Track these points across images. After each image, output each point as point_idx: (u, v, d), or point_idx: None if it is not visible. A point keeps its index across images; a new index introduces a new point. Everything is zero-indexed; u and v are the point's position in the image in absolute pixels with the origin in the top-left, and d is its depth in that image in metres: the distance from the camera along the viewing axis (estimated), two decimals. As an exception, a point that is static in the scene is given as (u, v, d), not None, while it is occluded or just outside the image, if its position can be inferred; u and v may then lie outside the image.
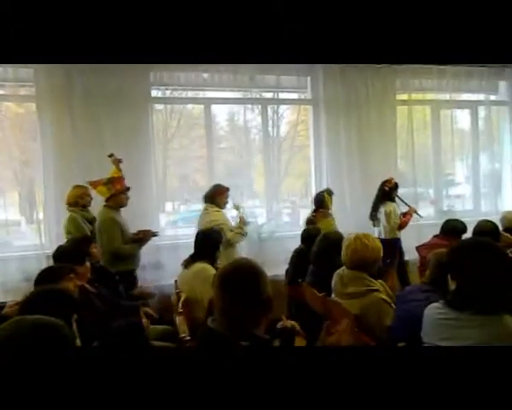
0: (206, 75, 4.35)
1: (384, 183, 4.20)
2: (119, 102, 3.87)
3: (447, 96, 4.92)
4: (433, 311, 1.68)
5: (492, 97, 5.15)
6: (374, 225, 4.22)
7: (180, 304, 2.48)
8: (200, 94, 4.53)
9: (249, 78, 4.34)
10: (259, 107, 4.55)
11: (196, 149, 4.87)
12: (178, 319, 2.28)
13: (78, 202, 3.38)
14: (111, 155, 3.32)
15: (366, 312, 2.19)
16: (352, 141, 4.47)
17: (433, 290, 1.97)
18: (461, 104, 5.12)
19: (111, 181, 3.26)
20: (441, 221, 3.57)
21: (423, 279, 2.27)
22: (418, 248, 3.54)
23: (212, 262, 2.66)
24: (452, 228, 3.32)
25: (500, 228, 4.02)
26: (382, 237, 4.09)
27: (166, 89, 4.43)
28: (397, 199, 4.26)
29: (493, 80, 5.01)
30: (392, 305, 2.23)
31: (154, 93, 4.31)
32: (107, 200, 3.32)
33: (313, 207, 4.01)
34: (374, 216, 4.23)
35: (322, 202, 3.92)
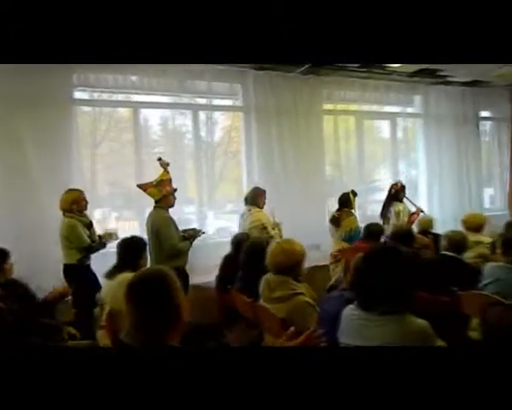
0: (134, 78, 4.23)
1: (391, 186, 4.66)
2: (38, 104, 3.63)
3: (370, 108, 5.27)
4: (349, 312, 1.78)
5: (409, 110, 5.58)
6: (383, 224, 4.50)
7: (103, 317, 2.37)
8: (130, 97, 4.39)
9: (179, 82, 4.29)
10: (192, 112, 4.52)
11: (128, 154, 4.69)
12: (100, 333, 2.18)
13: (75, 207, 3.30)
14: (159, 159, 3.48)
15: (292, 315, 2.25)
16: (282, 148, 4.57)
17: (347, 289, 2.09)
18: (382, 115, 5.49)
19: (161, 183, 3.42)
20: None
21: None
22: (343, 252, 3.73)
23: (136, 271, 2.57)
24: (371, 232, 3.55)
25: (416, 230, 4.39)
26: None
27: (93, 91, 4.23)
28: (405, 200, 4.67)
29: (409, 94, 5.44)
30: (316, 307, 2.32)
31: (79, 95, 4.10)
32: (157, 201, 3.45)
33: (337, 207, 4.32)
34: (384, 215, 4.61)
35: (346, 201, 4.22)
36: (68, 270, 3.28)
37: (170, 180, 3.46)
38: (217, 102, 4.74)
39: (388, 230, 4.40)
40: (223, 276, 3.25)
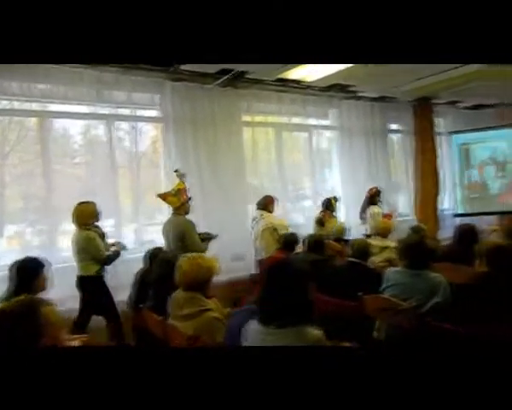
0: (43, 86, 3.97)
1: (368, 191, 5.32)
2: None
3: (288, 120, 5.46)
4: (250, 326, 1.81)
5: (325, 122, 5.86)
6: (363, 224, 5.25)
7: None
8: (37, 105, 4.10)
9: (94, 91, 4.12)
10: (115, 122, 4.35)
11: (42, 165, 4.37)
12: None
13: (94, 219, 3.41)
14: (176, 171, 3.77)
15: (199, 332, 2.24)
16: (201, 159, 4.55)
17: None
18: (300, 127, 5.68)
19: (179, 192, 3.70)
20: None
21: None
22: (260, 262, 3.79)
23: (32, 294, 2.39)
24: (286, 242, 3.66)
25: (332, 238, 4.61)
26: (368, 233, 4.90)
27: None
28: (381, 203, 5.32)
29: (324, 108, 5.72)
30: (225, 322, 2.33)
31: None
32: (176, 209, 3.70)
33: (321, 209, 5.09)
34: (362, 217, 5.28)
35: (329, 205, 4.99)
36: (85, 282, 3.37)
37: (185, 189, 3.76)
38: (140, 112, 4.61)
39: (367, 230, 5.06)
40: (135, 294, 3.15)
